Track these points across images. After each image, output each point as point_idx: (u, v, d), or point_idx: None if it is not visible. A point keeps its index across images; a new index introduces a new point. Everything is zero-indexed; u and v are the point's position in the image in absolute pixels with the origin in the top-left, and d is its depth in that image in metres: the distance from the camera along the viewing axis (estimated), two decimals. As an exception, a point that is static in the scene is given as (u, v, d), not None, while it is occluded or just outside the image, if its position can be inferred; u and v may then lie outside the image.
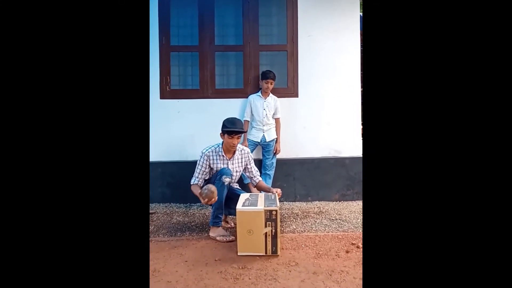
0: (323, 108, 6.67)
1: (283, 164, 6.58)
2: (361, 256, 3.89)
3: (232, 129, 4.61)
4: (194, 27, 6.60)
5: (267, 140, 6.30)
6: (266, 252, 3.97)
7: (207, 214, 5.75)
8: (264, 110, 6.24)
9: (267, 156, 6.36)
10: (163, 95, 6.56)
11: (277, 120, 6.41)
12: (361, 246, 4.15)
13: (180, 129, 6.55)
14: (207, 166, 4.78)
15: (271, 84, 6.20)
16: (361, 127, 6.87)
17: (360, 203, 6.43)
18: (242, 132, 4.81)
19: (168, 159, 6.51)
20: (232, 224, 5.00)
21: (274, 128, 6.40)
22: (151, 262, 3.78)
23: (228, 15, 6.71)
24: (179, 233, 4.86)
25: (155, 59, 6.51)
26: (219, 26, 6.67)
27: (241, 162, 4.99)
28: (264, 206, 3.97)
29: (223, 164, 4.80)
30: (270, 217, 3.93)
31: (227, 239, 4.54)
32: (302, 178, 6.63)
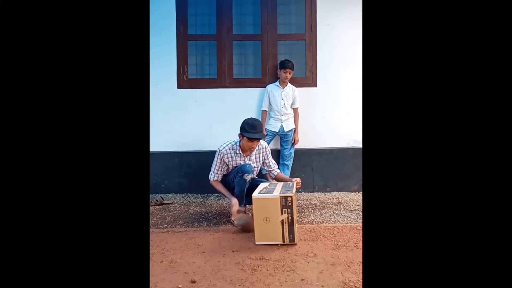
0: (342, 97, 6.64)
1: (301, 154, 6.56)
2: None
3: (254, 135, 4.58)
4: (212, 16, 6.59)
5: (285, 130, 6.28)
6: (283, 241, 3.95)
7: (224, 204, 5.76)
8: (282, 100, 6.22)
9: (285, 146, 6.35)
10: (180, 85, 6.56)
11: (295, 110, 6.39)
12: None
13: (197, 118, 6.55)
14: (224, 163, 4.81)
15: (289, 74, 6.18)
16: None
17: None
18: (262, 137, 4.79)
19: (185, 149, 6.51)
20: (250, 214, 4.97)
21: (293, 118, 6.38)
22: (168, 253, 3.78)
23: (246, 3, 6.68)
24: (196, 224, 4.85)
25: (172, 48, 6.51)
26: (237, 15, 6.65)
27: (259, 157, 4.99)
28: (280, 193, 3.96)
29: (241, 161, 4.82)
30: (286, 203, 3.91)
31: (242, 222, 4.51)
32: (321, 168, 6.61)
